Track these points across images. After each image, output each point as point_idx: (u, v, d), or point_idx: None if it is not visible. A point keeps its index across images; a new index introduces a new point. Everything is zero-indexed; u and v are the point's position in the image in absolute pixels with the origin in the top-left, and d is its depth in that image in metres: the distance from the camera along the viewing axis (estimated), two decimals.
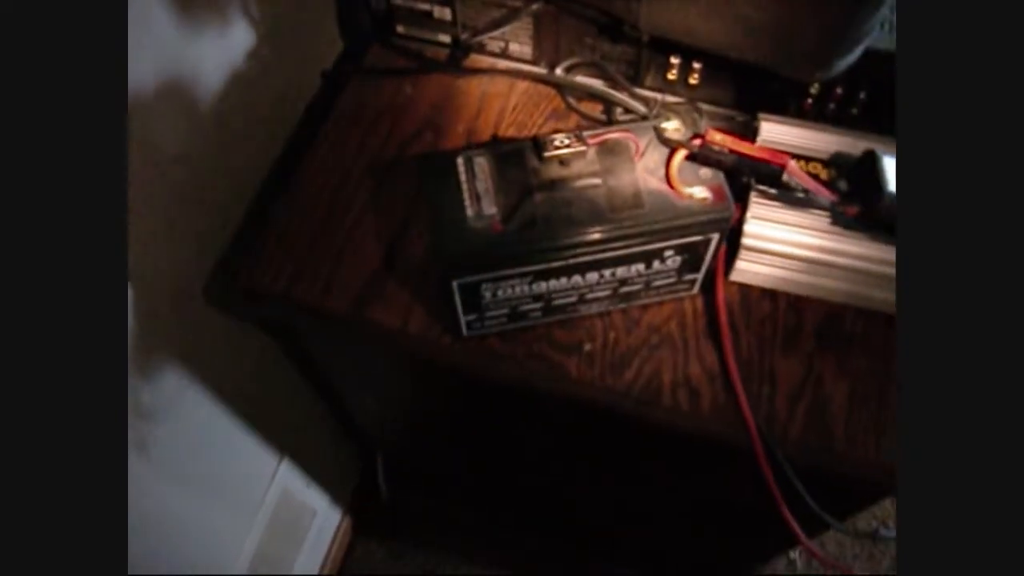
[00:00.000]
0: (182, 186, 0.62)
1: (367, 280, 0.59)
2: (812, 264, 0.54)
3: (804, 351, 0.56)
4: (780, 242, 0.53)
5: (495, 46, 0.68)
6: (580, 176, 0.49)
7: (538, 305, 0.54)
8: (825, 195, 0.50)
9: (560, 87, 0.66)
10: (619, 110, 0.63)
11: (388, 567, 1.18)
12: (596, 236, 0.48)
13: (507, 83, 0.68)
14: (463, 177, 0.49)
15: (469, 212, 0.48)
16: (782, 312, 0.57)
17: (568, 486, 0.94)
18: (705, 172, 0.50)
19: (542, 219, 0.48)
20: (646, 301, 0.57)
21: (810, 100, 0.62)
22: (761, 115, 0.60)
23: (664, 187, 0.49)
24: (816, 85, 0.62)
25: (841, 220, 0.52)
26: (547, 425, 0.73)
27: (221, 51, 0.63)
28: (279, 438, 0.90)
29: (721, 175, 0.50)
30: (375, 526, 1.20)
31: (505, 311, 0.54)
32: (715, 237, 0.51)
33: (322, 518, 1.07)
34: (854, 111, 0.62)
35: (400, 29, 0.69)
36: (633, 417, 0.55)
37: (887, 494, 0.59)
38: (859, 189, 0.50)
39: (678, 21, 0.53)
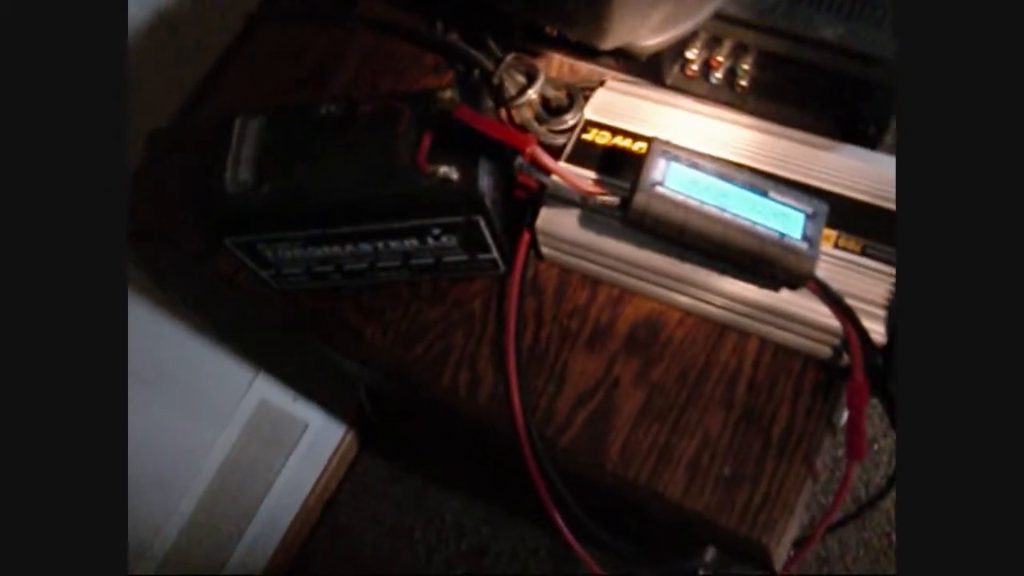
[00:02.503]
0: None
1: None
2: (607, 257, 0.49)
3: (608, 352, 0.51)
4: (574, 230, 0.48)
5: None
6: (337, 147, 0.47)
7: (330, 268, 0.53)
8: (579, 187, 0.44)
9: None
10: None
11: (385, 487, 1.24)
12: (332, 208, 0.46)
13: None
14: (234, 141, 0.49)
15: (227, 175, 0.48)
16: (598, 306, 0.52)
17: None
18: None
19: (290, 189, 0.47)
20: (457, 275, 0.54)
21: (694, 68, 0.55)
22: (610, 80, 0.53)
23: (415, 162, 0.46)
24: (695, 51, 0.54)
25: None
26: None
27: None
28: (256, 354, 0.97)
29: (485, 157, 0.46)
30: (381, 447, 1.26)
31: (300, 271, 0.54)
32: (481, 220, 0.47)
33: (316, 432, 1.14)
34: (743, 83, 0.54)
35: None
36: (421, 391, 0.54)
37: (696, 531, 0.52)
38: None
39: None
